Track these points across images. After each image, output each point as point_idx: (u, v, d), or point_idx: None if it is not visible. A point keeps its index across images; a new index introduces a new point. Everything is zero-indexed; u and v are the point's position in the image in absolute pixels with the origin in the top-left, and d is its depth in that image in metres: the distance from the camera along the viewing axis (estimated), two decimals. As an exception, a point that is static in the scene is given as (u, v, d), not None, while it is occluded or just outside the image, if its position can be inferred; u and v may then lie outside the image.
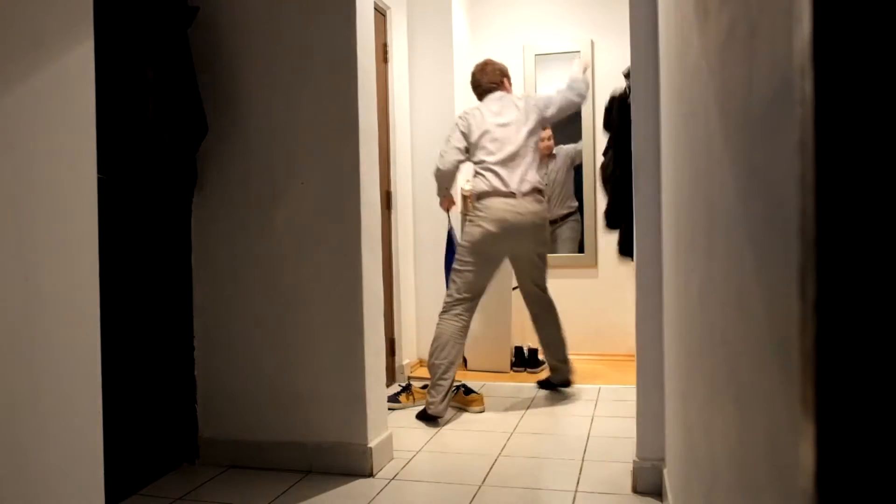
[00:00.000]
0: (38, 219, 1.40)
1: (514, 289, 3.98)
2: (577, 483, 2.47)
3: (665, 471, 2.24)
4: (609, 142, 3.13)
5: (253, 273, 2.69)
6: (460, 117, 3.51)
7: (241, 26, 2.68)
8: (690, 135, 1.31)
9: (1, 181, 1.32)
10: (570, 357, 3.68)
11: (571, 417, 3.34)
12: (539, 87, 4.83)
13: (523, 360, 4.36)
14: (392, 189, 4.10)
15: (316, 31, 2.61)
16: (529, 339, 4.19)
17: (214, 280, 2.73)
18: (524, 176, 3.36)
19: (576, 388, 3.76)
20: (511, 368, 4.33)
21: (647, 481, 2.33)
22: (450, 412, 3.43)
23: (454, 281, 3.38)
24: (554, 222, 4.51)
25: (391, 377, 3.94)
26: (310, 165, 2.62)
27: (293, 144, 2.64)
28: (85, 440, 1.50)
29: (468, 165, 3.46)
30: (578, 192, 4.81)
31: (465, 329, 3.36)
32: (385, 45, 4.06)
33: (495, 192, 3.33)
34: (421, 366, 4.41)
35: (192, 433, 2.74)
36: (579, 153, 4.78)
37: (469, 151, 3.44)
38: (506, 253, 3.46)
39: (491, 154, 3.37)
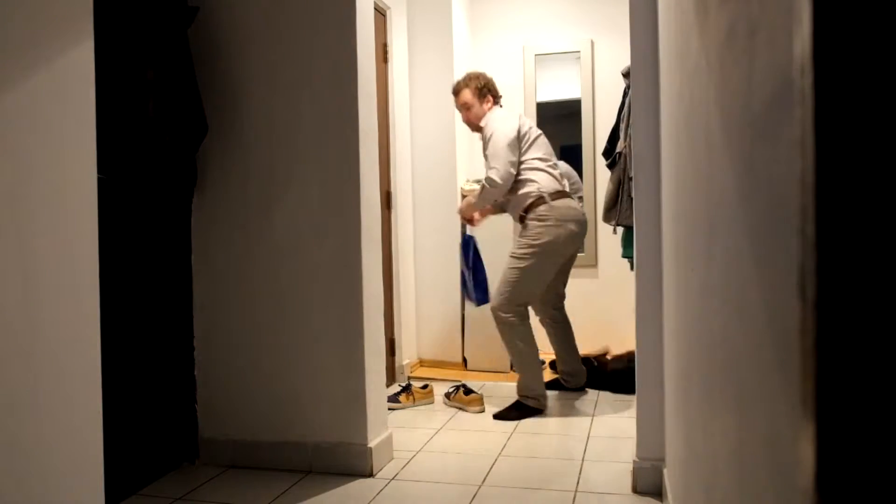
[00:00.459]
0: (38, 219, 1.40)
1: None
2: (577, 483, 2.47)
3: (665, 471, 2.23)
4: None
5: (253, 273, 2.69)
6: (511, 126, 3.30)
7: (241, 26, 2.68)
8: (690, 134, 1.31)
9: (1, 181, 1.32)
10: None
11: (571, 418, 3.34)
12: (539, 87, 4.83)
13: (523, 360, 4.35)
14: (392, 189, 4.10)
15: (316, 31, 2.61)
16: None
17: (214, 280, 2.73)
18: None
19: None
20: (511, 368, 4.32)
21: (647, 481, 2.33)
22: (450, 412, 3.43)
23: (513, 286, 3.23)
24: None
25: (391, 377, 3.94)
26: (310, 165, 2.62)
27: (293, 144, 2.64)
28: (85, 440, 1.50)
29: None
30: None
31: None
32: (385, 45, 4.06)
33: (565, 193, 3.35)
34: (421, 366, 4.41)
35: (192, 433, 2.74)
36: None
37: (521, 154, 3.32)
38: (571, 254, 3.46)
39: (550, 155, 3.41)
